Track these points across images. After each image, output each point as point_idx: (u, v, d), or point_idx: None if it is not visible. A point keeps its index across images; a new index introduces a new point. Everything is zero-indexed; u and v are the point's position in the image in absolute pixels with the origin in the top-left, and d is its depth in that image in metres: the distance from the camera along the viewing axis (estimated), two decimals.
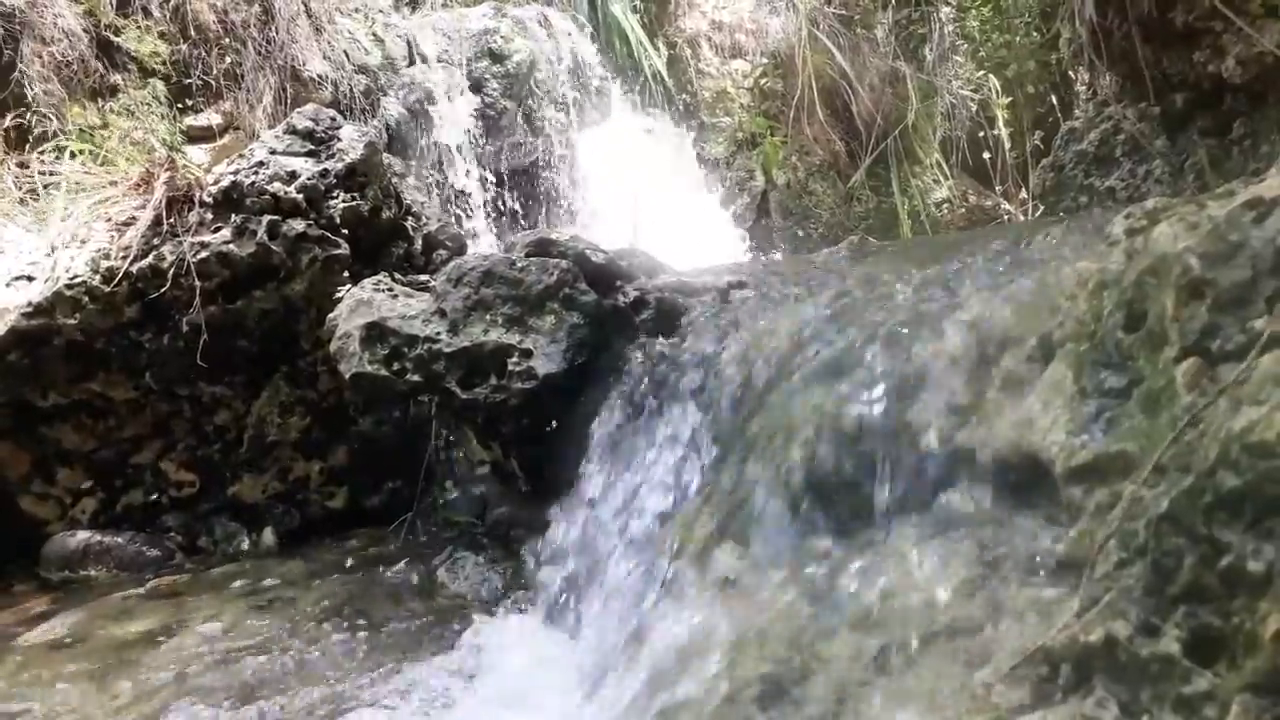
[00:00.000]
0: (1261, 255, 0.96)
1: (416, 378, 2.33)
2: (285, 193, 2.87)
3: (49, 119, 3.81)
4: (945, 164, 5.65)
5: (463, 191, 4.90)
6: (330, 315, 2.56)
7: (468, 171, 4.92)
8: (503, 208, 5.11)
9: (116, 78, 4.14)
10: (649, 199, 4.65)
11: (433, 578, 2.50)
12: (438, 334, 2.34)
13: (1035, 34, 5.08)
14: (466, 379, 2.31)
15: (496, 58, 5.06)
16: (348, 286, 2.73)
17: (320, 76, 4.56)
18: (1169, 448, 0.95)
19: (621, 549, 1.93)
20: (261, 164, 2.91)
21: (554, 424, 2.25)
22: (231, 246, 2.82)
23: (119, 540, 2.84)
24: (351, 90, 4.67)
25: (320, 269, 2.87)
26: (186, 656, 2.18)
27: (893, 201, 5.50)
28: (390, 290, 2.56)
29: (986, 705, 1.04)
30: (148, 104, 4.20)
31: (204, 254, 2.80)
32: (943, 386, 1.39)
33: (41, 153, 3.56)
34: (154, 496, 2.97)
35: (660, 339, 2.27)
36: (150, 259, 2.80)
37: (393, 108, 4.78)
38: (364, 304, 2.49)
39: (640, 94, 5.73)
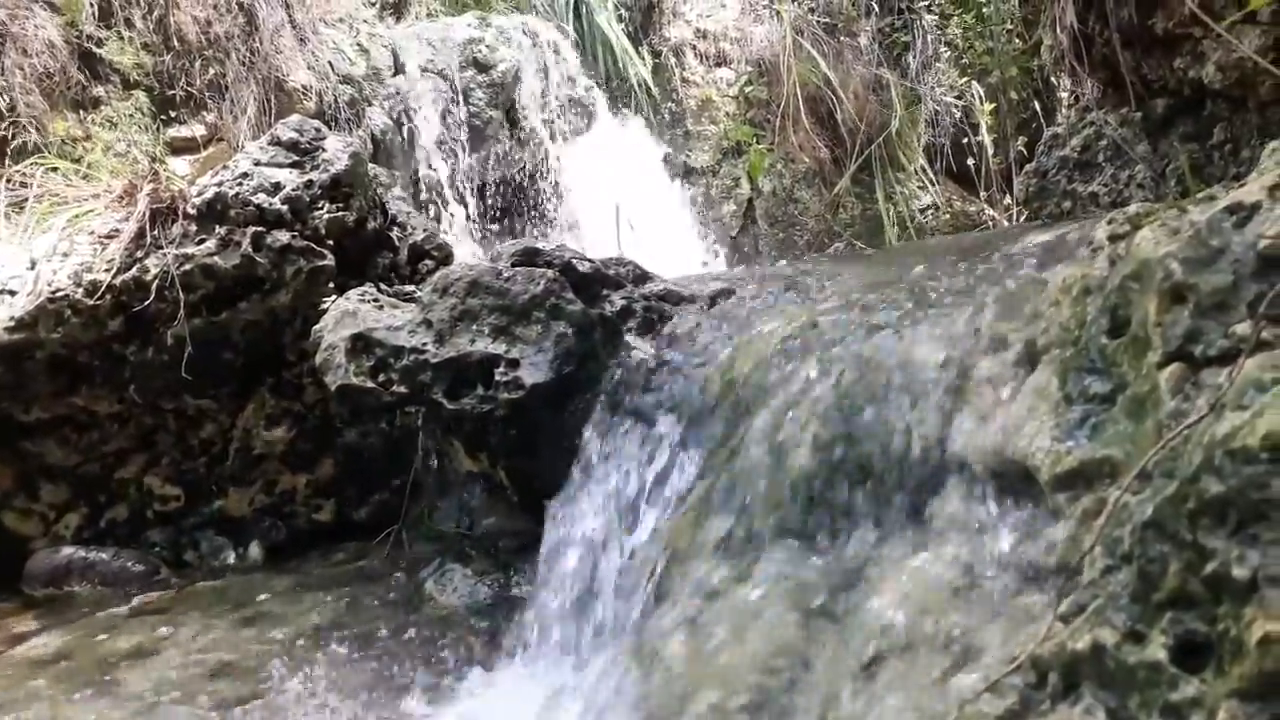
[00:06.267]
0: (1243, 260, 0.96)
1: (403, 389, 2.32)
2: (270, 204, 2.86)
3: (31, 131, 3.79)
4: (929, 170, 5.67)
5: (447, 201, 4.88)
6: (316, 327, 2.55)
7: (452, 181, 4.91)
8: (488, 217, 5.09)
9: (99, 89, 4.12)
10: (634, 207, 4.64)
11: (421, 590, 2.49)
12: (424, 345, 2.33)
13: (1017, 41, 5.13)
14: (453, 390, 2.29)
15: (481, 67, 5.05)
16: (333, 298, 2.71)
17: (305, 87, 4.55)
18: (1154, 454, 0.95)
19: (610, 561, 1.93)
20: (245, 175, 2.90)
21: (541, 434, 2.25)
22: (216, 258, 2.80)
23: (103, 556, 2.81)
24: (336, 101, 4.65)
25: (305, 280, 2.85)
26: (174, 673, 2.16)
27: (878, 208, 5.52)
28: (376, 301, 2.55)
29: (975, 714, 1.04)
30: (131, 115, 4.18)
31: (188, 266, 2.78)
32: (928, 392, 1.39)
33: (23, 165, 3.53)
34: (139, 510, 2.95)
35: (647, 347, 2.26)
36: (134, 271, 2.78)
37: (377, 118, 4.76)
38: (349, 315, 2.48)
39: (625, 103, 5.73)
